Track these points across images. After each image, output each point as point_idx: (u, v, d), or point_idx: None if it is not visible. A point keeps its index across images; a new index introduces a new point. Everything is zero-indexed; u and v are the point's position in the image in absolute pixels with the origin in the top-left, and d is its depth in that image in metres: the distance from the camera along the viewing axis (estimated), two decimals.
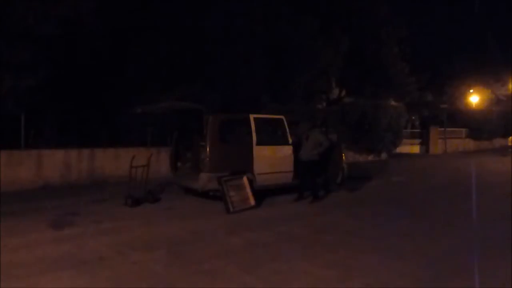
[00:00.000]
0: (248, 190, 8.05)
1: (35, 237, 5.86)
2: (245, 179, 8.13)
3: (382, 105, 19.47)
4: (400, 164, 17.68)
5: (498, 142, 30.61)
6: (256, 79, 14.13)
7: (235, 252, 5.23)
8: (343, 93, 21.45)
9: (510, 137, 27.98)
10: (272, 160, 8.90)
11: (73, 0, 10.55)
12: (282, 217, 7.39)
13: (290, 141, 9.21)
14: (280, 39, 15.24)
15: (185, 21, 13.28)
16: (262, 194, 8.61)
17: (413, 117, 28.17)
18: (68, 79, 11.57)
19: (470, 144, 28.88)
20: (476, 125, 28.09)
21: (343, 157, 10.28)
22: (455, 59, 26.81)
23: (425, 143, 25.44)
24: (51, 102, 11.40)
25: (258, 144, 8.68)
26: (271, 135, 9.43)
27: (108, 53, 12.21)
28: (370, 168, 15.33)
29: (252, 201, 7.95)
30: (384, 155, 20.31)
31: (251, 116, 8.76)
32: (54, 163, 10.64)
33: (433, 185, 11.73)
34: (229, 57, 13.80)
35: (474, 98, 29.75)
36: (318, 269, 4.62)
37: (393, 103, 21.32)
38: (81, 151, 11.14)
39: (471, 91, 29.46)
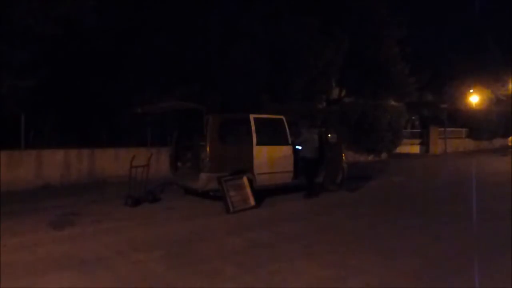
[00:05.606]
0: (248, 190, 8.05)
1: (35, 237, 5.86)
2: (245, 179, 8.12)
3: (382, 105, 19.47)
4: (400, 164, 17.67)
5: (498, 142, 30.59)
6: (256, 79, 14.13)
7: (235, 252, 5.23)
8: (343, 93, 21.45)
9: (510, 137, 27.96)
10: (272, 160, 8.90)
11: (73, 0, 10.55)
12: (282, 217, 7.39)
13: (290, 141, 9.23)
14: (280, 39, 15.24)
15: (186, 21, 13.29)
16: (262, 194, 8.61)
17: (413, 117, 28.15)
18: (68, 79, 11.57)
19: (470, 144, 28.86)
20: (476, 125, 28.07)
21: (343, 157, 10.29)
22: (455, 59, 26.75)
23: (425, 143, 25.43)
24: (51, 102, 11.41)
25: (258, 144, 8.69)
26: (271, 135, 9.43)
27: (108, 53, 12.22)
28: (370, 168, 15.33)
29: (252, 201, 7.95)
30: (384, 155, 20.31)
31: (251, 116, 8.77)
32: (54, 163, 10.64)
33: (433, 185, 11.73)
34: (229, 57, 13.80)
35: (474, 98, 29.72)
36: (318, 269, 4.62)
37: (393, 103, 21.32)
38: (81, 151, 11.14)
39: (471, 91, 29.43)
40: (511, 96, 29.95)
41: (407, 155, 22.52)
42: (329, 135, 9.73)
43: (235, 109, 11.74)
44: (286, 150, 9.18)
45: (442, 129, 25.36)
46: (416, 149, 25.43)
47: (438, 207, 8.27)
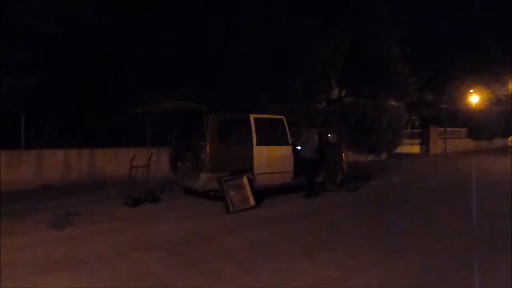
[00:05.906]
0: (248, 190, 8.05)
1: (35, 237, 5.86)
2: (245, 179, 8.13)
3: (382, 105, 19.48)
4: (400, 164, 17.67)
5: (498, 142, 30.61)
6: (256, 79, 14.14)
7: (235, 252, 5.23)
8: (343, 93, 21.46)
9: (510, 137, 27.97)
10: (272, 160, 8.91)
11: (73, 0, 10.56)
12: (282, 217, 7.39)
13: (290, 141, 9.24)
14: (280, 39, 15.24)
15: (185, 21, 13.28)
16: (262, 194, 8.62)
17: (413, 117, 28.14)
18: (68, 79, 11.57)
19: (470, 144, 28.87)
20: (476, 125, 28.08)
21: (343, 157, 10.29)
22: (455, 59, 26.73)
23: (425, 143, 25.44)
24: (51, 102, 11.41)
25: (258, 144, 8.69)
26: (271, 135, 9.45)
27: (108, 53, 12.21)
28: (370, 168, 15.33)
29: (252, 201, 7.95)
30: (384, 155, 20.32)
31: (251, 116, 8.78)
32: (54, 163, 10.64)
33: (433, 185, 11.73)
34: (229, 57, 13.80)
35: (474, 98, 29.72)
36: (318, 269, 4.62)
37: (393, 103, 21.31)
38: (81, 151, 11.14)
39: (471, 91, 29.43)
40: (511, 96, 29.95)
41: (407, 155, 22.53)
42: (329, 135, 9.74)
43: (235, 109, 11.74)
44: (286, 150, 9.19)
45: (442, 129, 25.38)
46: (416, 149, 25.45)
47: (438, 207, 8.28)
